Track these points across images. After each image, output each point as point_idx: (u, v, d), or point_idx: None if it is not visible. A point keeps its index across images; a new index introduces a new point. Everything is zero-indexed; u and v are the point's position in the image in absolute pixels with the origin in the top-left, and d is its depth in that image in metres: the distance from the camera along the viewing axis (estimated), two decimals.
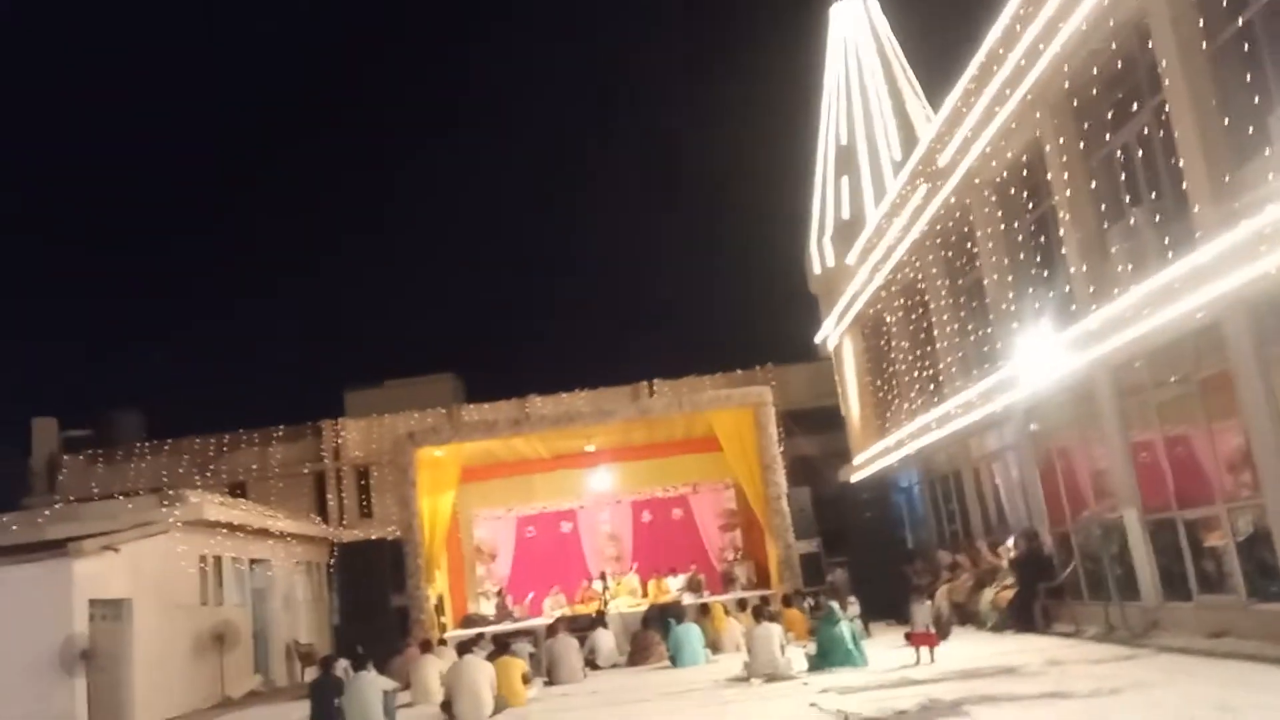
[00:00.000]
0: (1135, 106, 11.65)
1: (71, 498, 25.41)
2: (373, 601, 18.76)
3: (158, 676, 16.93)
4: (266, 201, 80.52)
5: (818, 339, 26.44)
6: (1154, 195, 11.39)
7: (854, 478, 22.87)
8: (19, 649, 14.77)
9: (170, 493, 18.73)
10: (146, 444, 31.10)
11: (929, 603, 13.06)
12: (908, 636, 12.65)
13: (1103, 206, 12.45)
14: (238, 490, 28.56)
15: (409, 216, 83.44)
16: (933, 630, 12.45)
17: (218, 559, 19.99)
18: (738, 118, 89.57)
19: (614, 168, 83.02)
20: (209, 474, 29.85)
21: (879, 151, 24.96)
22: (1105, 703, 7.94)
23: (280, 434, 31.10)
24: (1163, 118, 10.84)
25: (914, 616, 12.60)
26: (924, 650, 11.99)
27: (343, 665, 13.67)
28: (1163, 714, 7.13)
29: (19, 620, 14.85)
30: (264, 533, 21.65)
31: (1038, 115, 13.22)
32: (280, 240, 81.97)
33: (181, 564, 18.40)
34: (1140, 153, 11.66)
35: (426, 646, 15.33)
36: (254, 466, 30.48)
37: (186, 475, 29.12)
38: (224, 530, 19.78)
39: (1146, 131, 11.46)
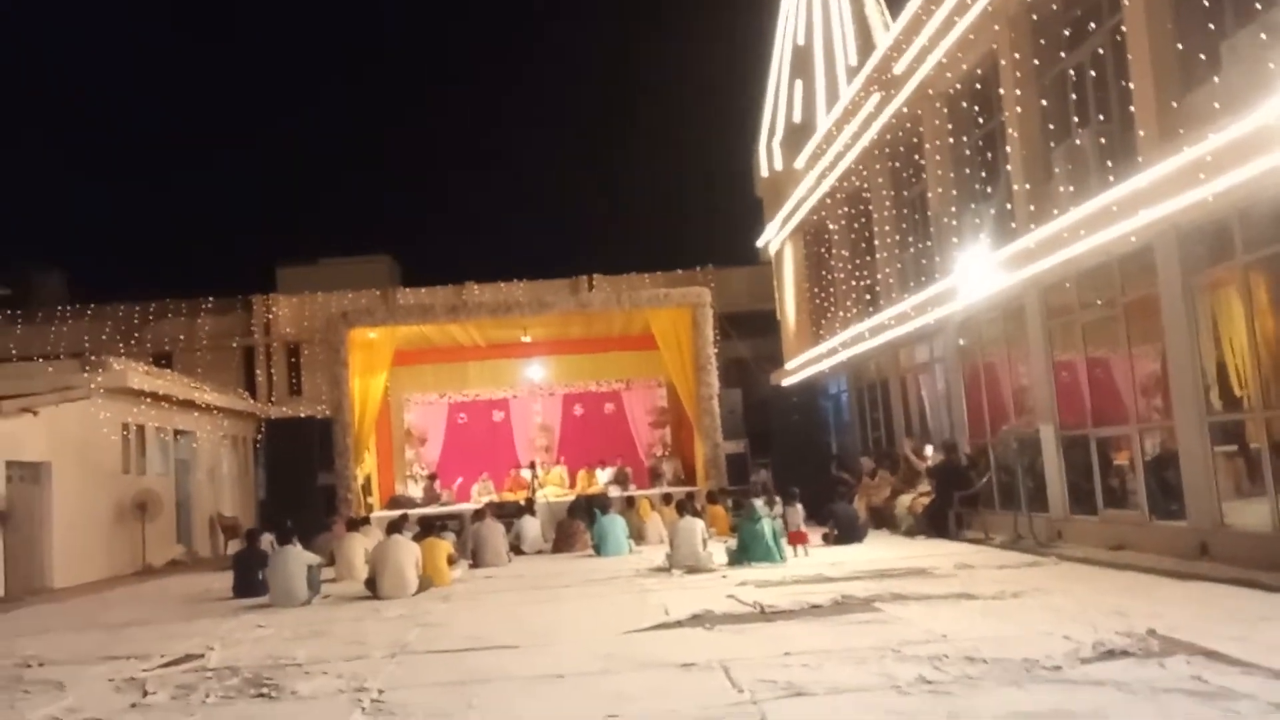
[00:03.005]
0: (1092, 26, 11.61)
1: None
2: (299, 478, 18.72)
3: (77, 541, 16.82)
4: (210, 68, 77.18)
5: (760, 243, 26.46)
6: (1101, 117, 11.46)
7: (785, 382, 23.20)
8: None
9: (93, 358, 18.31)
10: (69, 308, 30.22)
11: (800, 506, 14.38)
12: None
13: (1050, 126, 12.51)
14: (163, 360, 27.98)
15: (359, 96, 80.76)
16: (804, 530, 13.99)
17: (141, 428, 19.72)
18: (692, 13, 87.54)
19: (563, 59, 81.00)
20: (133, 342, 29.13)
21: (835, 56, 24.63)
22: (1007, 604, 8.30)
23: (209, 305, 30.40)
24: (1118, 39, 10.84)
25: (788, 518, 13.93)
26: (800, 548, 13.33)
27: (267, 539, 13.74)
28: (1060, 616, 7.48)
29: None
30: (189, 404, 21.36)
31: (996, 28, 13.13)
32: (220, 109, 78.89)
33: (103, 431, 18.12)
34: (1092, 73, 11.67)
35: (353, 525, 15.39)
36: (181, 337, 29.85)
37: (110, 342, 28.36)
38: (148, 399, 19.47)
39: (1101, 52, 11.46)
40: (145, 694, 6.96)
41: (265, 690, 6.80)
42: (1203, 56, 9.43)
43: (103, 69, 76.78)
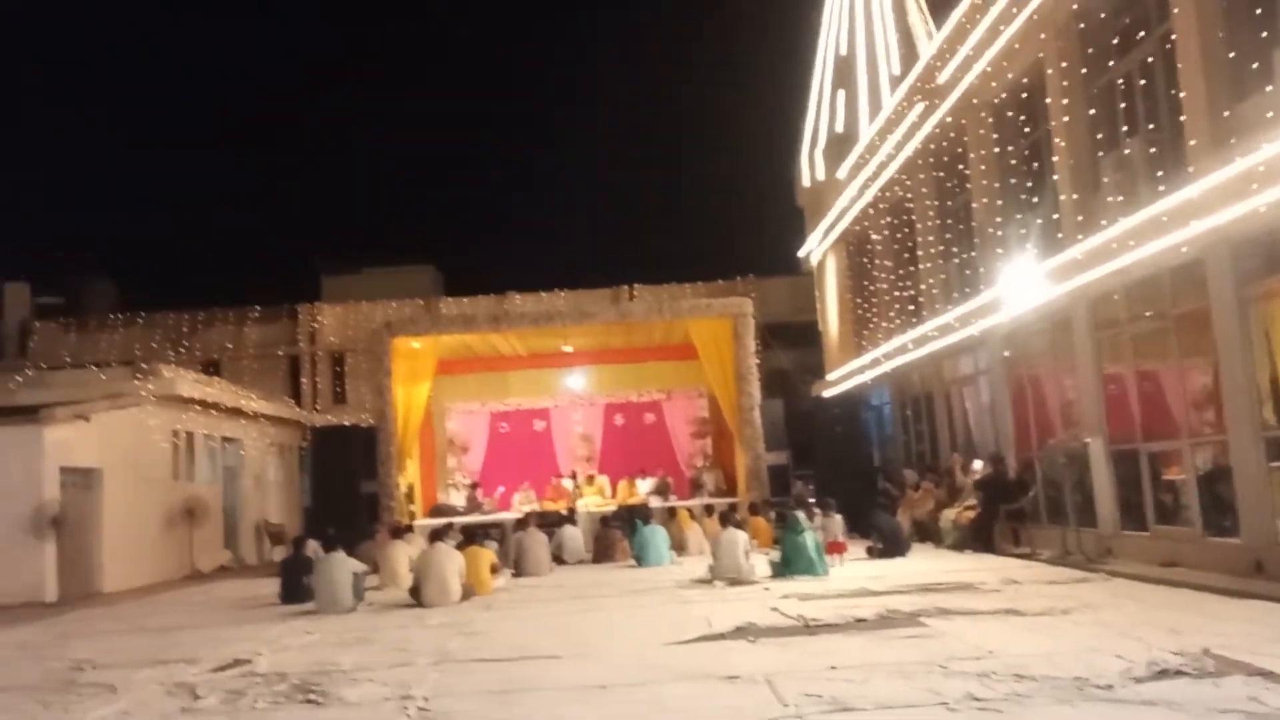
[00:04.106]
0: (1141, 34, 11.48)
1: (43, 365, 25.22)
2: (343, 486, 18.97)
3: (128, 546, 17.11)
4: (259, 81, 78.51)
5: (801, 253, 26.37)
6: (1151, 126, 11.31)
7: (826, 393, 23.08)
8: None
9: (143, 366, 18.64)
10: (119, 315, 30.84)
11: (838, 516, 14.48)
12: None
13: (1099, 135, 12.36)
14: (211, 368, 28.47)
15: (402, 106, 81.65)
16: (843, 540, 14.07)
17: (190, 435, 20.03)
18: (734, 20, 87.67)
19: (607, 69, 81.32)
20: (182, 350, 29.70)
21: (878, 66, 24.51)
22: (1056, 620, 8.19)
23: (256, 315, 30.92)
24: (1167, 47, 10.70)
25: (826, 529, 13.99)
26: (838, 557, 13.35)
27: (313, 545, 13.89)
28: (1111, 633, 7.37)
29: None
30: (237, 412, 21.66)
31: (1042, 37, 13.01)
32: (270, 121, 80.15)
33: (154, 438, 18.43)
34: (1141, 82, 11.53)
35: (397, 532, 15.52)
36: (228, 345, 30.39)
37: (160, 350, 28.95)
38: (197, 407, 19.77)
39: (1150, 60, 11.31)
40: (196, 698, 7.06)
41: (313, 696, 6.87)
42: (1255, 65, 9.28)
43: (157, 77, 78.34)
